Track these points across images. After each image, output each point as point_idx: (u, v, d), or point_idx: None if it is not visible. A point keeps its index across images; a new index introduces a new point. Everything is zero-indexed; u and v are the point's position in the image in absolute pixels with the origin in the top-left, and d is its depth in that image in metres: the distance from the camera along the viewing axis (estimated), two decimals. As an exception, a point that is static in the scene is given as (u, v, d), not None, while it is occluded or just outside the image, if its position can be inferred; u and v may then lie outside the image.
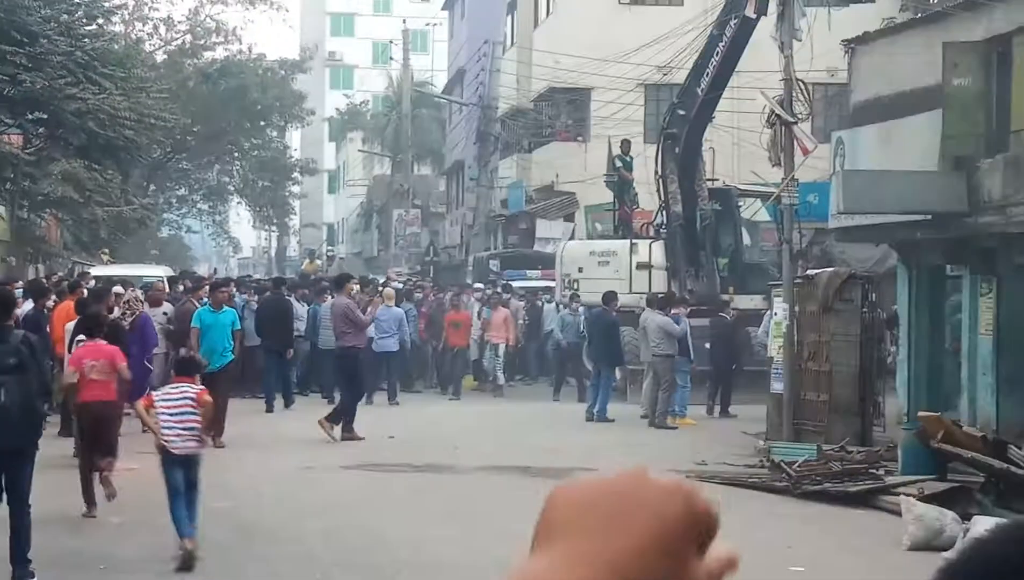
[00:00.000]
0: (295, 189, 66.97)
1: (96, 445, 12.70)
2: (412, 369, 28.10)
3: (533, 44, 40.97)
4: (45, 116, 29.54)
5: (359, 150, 69.50)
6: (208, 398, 11.13)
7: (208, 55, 55.08)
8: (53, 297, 19.93)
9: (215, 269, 65.70)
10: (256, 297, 26.47)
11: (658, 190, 26.46)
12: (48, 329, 17.96)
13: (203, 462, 11.04)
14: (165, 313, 21.05)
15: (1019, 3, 17.20)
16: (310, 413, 22.12)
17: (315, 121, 67.26)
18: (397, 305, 26.19)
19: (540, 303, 30.69)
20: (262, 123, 58.41)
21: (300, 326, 25.40)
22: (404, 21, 53.42)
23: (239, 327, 19.57)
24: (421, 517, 13.03)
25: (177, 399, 10.76)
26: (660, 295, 23.17)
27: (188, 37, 54.92)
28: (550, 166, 39.23)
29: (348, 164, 77.49)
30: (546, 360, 30.06)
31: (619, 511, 1.15)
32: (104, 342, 13.00)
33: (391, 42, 61.68)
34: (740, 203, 28.17)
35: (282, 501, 13.95)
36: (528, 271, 35.19)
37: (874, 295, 19.39)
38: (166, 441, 10.55)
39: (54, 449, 13.54)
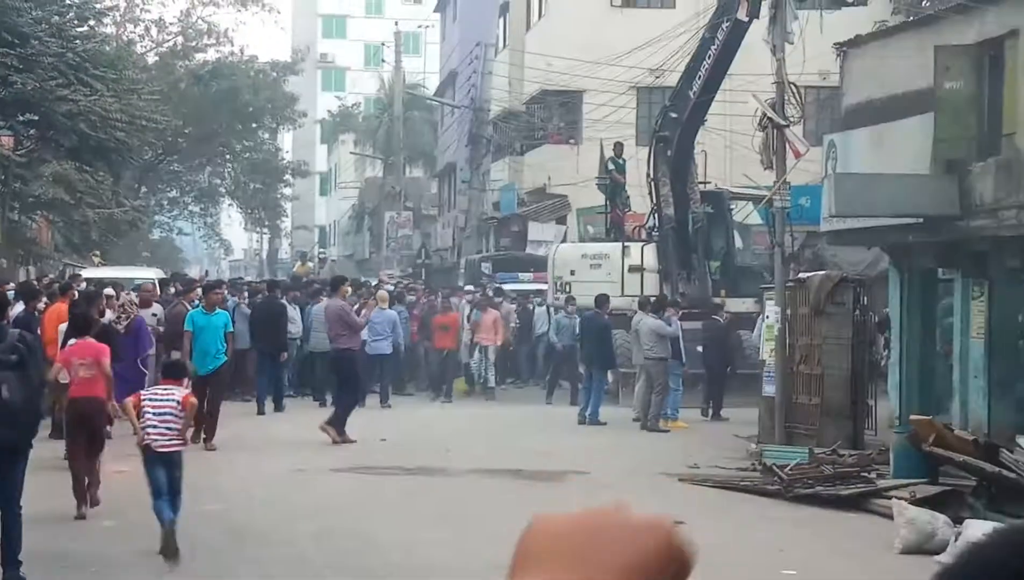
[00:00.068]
0: (287, 191, 66.96)
1: (84, 440, 12.91)
2: (404, 372, 28.08)
3: (525, 46, 41.01)
4: (36, 118, 29.52)
5: (351, 152, 69.50)
6: (193, 401, 11.62)
7: (200, 57, 55.09)
8: (44, 299, 19.90)
9: (206, 271, 65.64)
10: (247, 299, 26.50)
11: (650, 193, 26.47)
12: (39, 331, 17.92)
13: (185, 464, 11.23)
14: (154, 314, 21.02)
15: (1011, 6, 17.22)
16: (301, 416, 22.13)
17: (307, 123, 67.22)
18: (389, 308, 26.17)
19: (531, 306, 30.69)
20: (254, 125, 58.44)
21: (293, 329, 25.42)
22: (396, 23, 53.32)
23: (232, 329, 19.55)
24: (413, 520, 13.02)
25: (163, 400, 11.09)
26: (652, 298, 23.17)
27: (180, 39, 54.91)
28: (542, 169, 39.24)
29: (340, 166, 77.48)
30: (537, 363, 30.06)
31: (596, 544, 1.15)
32: (92, 340, 13.22)
33: (383, 44, 61.72)
34: (732, 206, 28.20)
35: (273, 504, 13.94)
36: (520, 274, 35.17)
37: (866, 298, 19.43)
38: (149, 439, 10.90)
39: (46, 451, 13.51)
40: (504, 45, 45.25)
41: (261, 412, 22.89)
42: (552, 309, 28.39)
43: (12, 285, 23.35)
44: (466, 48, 48.71)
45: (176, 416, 11.03)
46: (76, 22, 33.61)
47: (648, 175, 26.25)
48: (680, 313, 22.97)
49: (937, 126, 17.49)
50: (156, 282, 26.11)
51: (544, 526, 1.18)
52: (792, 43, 18.69)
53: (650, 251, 26.48)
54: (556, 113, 40.23)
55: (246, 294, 27.38)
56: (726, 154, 31.38)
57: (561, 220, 39.13)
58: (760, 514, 13.85)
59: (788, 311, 18.61)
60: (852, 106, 20.88)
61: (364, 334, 22.04)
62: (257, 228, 75.08)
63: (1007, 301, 17.75)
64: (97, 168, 34.08)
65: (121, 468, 13.60)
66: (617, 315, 23.90)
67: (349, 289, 22.17)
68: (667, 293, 24.75)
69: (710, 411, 23.51)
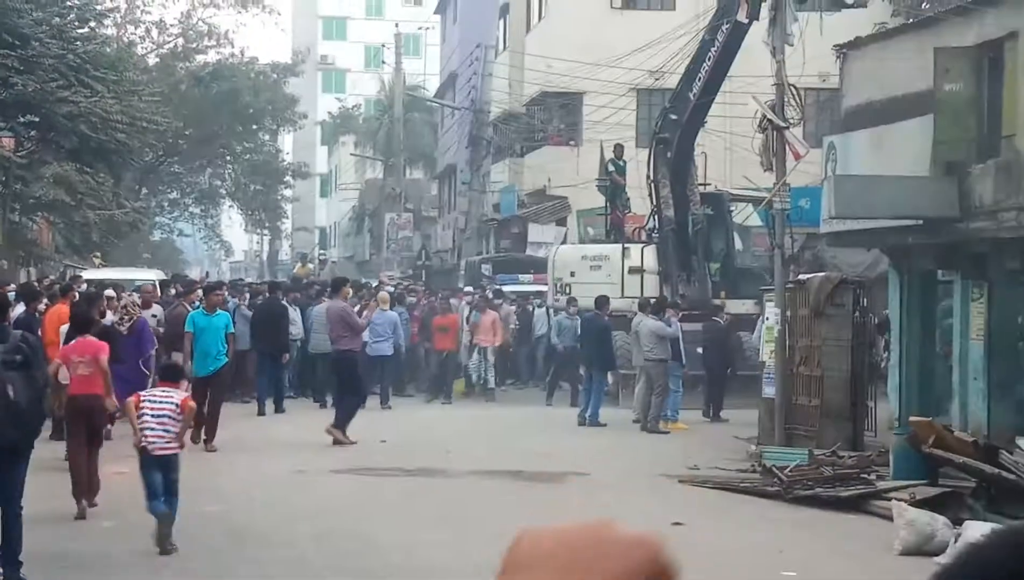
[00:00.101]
0: (287, 193, 66.95)
1: (84, 437, 13.02)
2: (405, 373, 28.08)
3: (525, 48, 41.02)
4: (37, 119, 29.51)
5: (351, 154, 69.49)
6: (192, 404, 11.78)
7: (200, 58, 55.08)
8: (45, 301, 19.91)
9: (207, 273, 65.60)
10: (248, 300, 26.51)
11: (650, 194, 26.47)
12: (40, 333, 17.92)
13: (181, 466, 11.31)
14: (154, 315, 21.03)
15: (1010, 8, 17.23)
16: (302, 417, 22.14)
17: (307, 125, 67.21)
18: (390, 309, 26.17)
19: (531, 307, 30.70)
20: (254, 127, 58.43)
21: (294, 330, 25.45)
22: (396, 25, 53.30)
23: (232, 330, 19.56)
24: (413, 521, 13.02)
25: (161, 402, 11.18)
26: (652, 300, 23.18)
27: (180, 40, 54.90)
28: (542, 170, 39.24)
29: (340, 168, 77.48)
30: (537, 365, 30.06)
31: (583, 559, 1.17)
32: (92, 338, 13.35)
33: (383, 46, 61.73)
34: (732, 208, 28.21)
35: (274, 505, 13.94)
36: (520, 275, 35.16)
37: (865, 300, 19.43)
38: (147, 441, 10.98)
39: (46, 451, 13.52)
40: (504, 47, 45.25)
41: (261, 413, 22.91)
42: (552, 310, 28.39)
43: (13, 286, 23.36)
44: (466, 50, 48.71)
45: (174, 419, 11.11)
46: (77, 24, 33.61)
47: (648, 177, 26.25)
48: (680, 314, 22.98)
49: (937, 128, 17.51)
50: (157, 283, 26.13)
51: (530, 540, 1.20)
52: (792, 45, 18.69)
53: (650, 253, 26.48)
54: (556, 115, 40.23)
55: (247, 295, 27.38)
56: (726, 156, 31.38)
57: (561, 222, 39.13)
58: (760, 515, 13.85)
59: (788, 313, 18.62)
60: (852, 108, 20.89)
61: (365, 335, 22.04)
62: (257, 230, 75.09)
63: (1007, 303, 17.76)
64: (98, 169, 34.09)
65: (121, 470, 13.61)
66: (617, 317, 23.91)
67: (351, 290, 22.18)
68: (667, 295, 24.75)
69: (711, 412, 23.51)
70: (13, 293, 20.33)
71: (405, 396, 27.15)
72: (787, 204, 19.16)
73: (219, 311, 19.25)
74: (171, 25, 54.94)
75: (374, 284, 33.63)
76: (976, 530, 10.60)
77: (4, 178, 31.27)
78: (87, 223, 35.65)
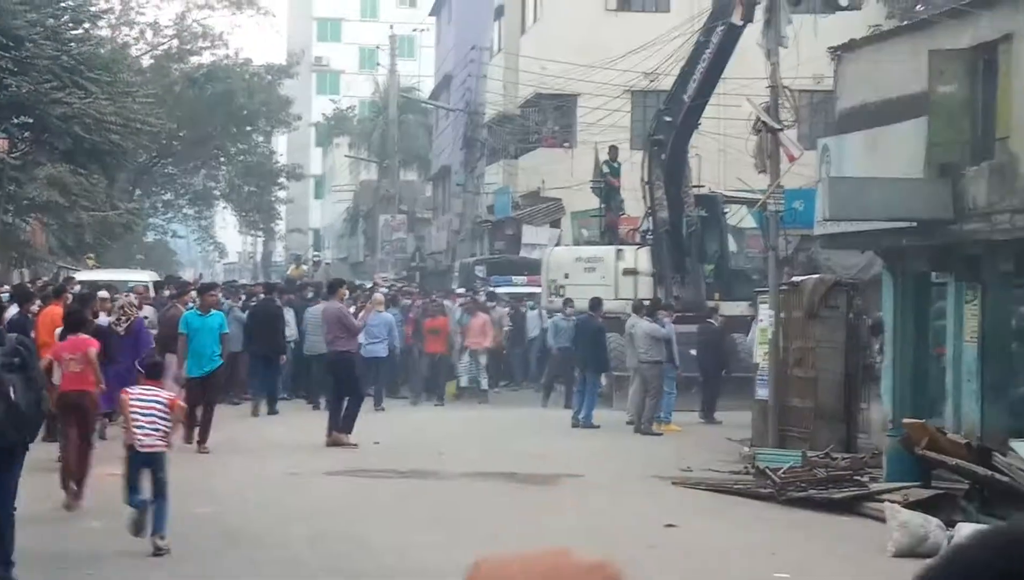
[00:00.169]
0: (281, 194, 66.90)
1: (75, 433, 13.23)
2: (399, 375, 28.06)
3: (520, 50, 41.02)
4: (31, 120, 29.52)
5: (345, 155, 69.48)
6: (182, 405, 11.99)
7: (195, 60, 55.08)
8: (38, 302, 19.88)
9: (200, 274, 65.52)
10: (242, 301, 26.50)
11: (644, 196, 26.49)
12: (33, 334, 17.90)
13: (169, 466, 11.30)
14: (146, 316, 21.02)
15: (1005, 11, 17.24)
16: (295, 418, 22.13)
17: (301, 126, 67.24)
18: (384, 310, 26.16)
19: (524, 310, 30.69)
20: (248, 128, 58.40)
21: (288, 331, 25.41)
22: (391, 26, 53.46)
23: (227, 330, 19.54)
24: (406, 523, 13.01)
25: (148, 401, 11.24)
26: (647, 302, 23.19)
27: (175, 42, 54.87)
28: (536, 172, 39.25)
29: (334, 169, 77.49)
30: (531, 366, 30.06)
31: None
32: (83, 335, 13.51)
33: (378, 47, 61.76)
34: (726, 210, 28.21)
35: (267, 506, 13.93)
36: (514, 277, 35.18)
37: (859, 302, 19.44)
38: (134, 439, 11.08)
39: (41, 452, 13.51)
40: (499, 48, 45.27)
41: (255, 414, 22.91)
42: (546, 312, 28.38)
43: (6, 288, 23.34)
44: (461, 51, 48.72)
45: (161, 417, 11.15)
46: (71, 25, 33.57)
47: (643, 178, 26.27)
48: (673, 316, 22.98)
49: (931, 130, 17.51)
50: (151, 285, 26.10)
51: (489, 568, 1.20)
52: (786, 47, 18.71)
53: (644, 254, 26.49)
54: (550, 116, 40.25)
55: (242, 297, 27.35)
56: (720, 158, 31.39)
57: (555, 223, 39.13)
58: (753, 517, 13.85)
59: (782, 314, 18.62)
60: (846, 110, 20.89)
61: (360, 337, 22.02)
62: (251, 231, 75.03)
63: (1000, 305, 17.75)
64: (91, 171, 34.02)
65: (113, 471, 13.58)
66: (611, 318, 23.91)
67: (347, 292, 22.18)
68: (661, 297, 24.77)
69: (705, 414, 23.52)
70: (6, 294, 20.34)
71: (399, 398, 27.14)
72: (781, 206, 19.18)
73: (213, 311, 19.23)
74: (165, 26, 55.01)
75: (368, 286, 33.61)
76: (968, 532, 10.61)
77: (-2, 179, 31.26)
78: (81, 224, 35.59)
